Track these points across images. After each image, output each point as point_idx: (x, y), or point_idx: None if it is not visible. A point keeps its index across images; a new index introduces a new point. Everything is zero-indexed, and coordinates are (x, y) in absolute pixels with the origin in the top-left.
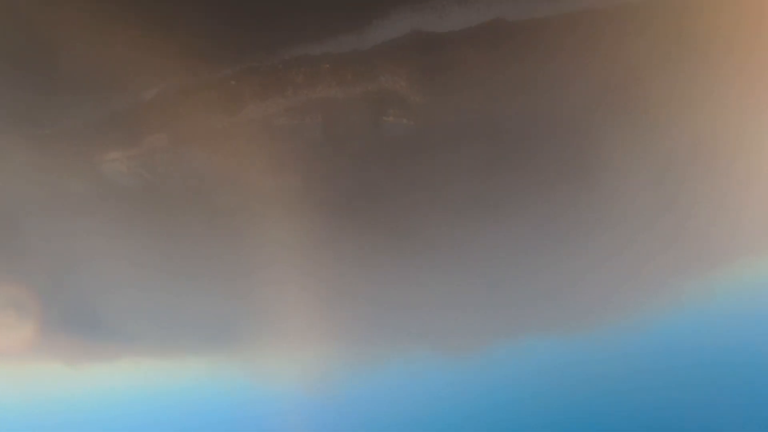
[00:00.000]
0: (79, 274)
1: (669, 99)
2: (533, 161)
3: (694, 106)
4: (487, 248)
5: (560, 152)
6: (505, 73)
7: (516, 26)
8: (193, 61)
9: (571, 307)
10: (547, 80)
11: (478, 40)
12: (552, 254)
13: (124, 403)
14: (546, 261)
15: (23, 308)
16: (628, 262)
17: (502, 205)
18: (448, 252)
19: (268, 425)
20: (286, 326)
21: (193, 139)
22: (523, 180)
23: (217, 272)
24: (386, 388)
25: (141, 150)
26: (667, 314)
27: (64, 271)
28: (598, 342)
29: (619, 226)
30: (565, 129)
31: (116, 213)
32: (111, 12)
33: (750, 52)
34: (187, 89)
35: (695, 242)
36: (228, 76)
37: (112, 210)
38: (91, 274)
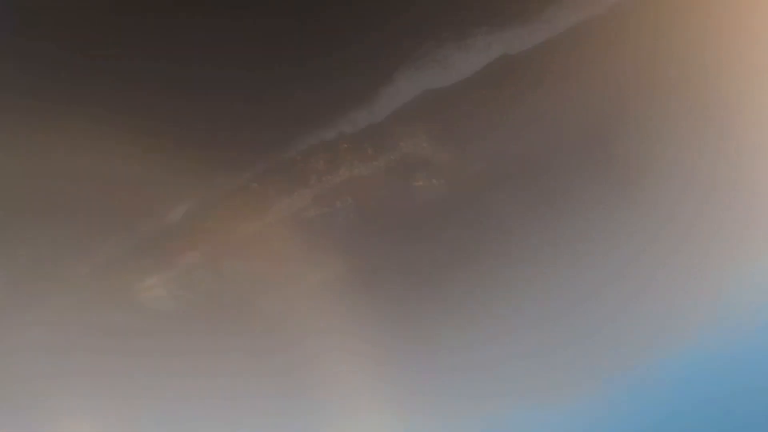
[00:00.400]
0: (133, 410)
1: (696, 98)
2: (576, 190)
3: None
4: (553, 295)
5: (603, 175)
6: (523, 107)
7: (521, 58)
8: (211, 172)
9: (652, 337)
10: (567, 103)
11: (488, 82)
12: (627, 289)
13: None
14: (620, 297)
15: None
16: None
17: (554, 245)
18: (514, 307)
19: None
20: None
21: (227, 250)
22: (571, 214)
23: (277, 381)
24: None
25: (177, 271)
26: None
27: (117, 409)
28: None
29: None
30: (599, 147)
31: (162, 339)
32: (119, 141)
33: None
34: (211, 201)
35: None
36: (248, 180)
37: (158, 337)
38: (147, 408)
